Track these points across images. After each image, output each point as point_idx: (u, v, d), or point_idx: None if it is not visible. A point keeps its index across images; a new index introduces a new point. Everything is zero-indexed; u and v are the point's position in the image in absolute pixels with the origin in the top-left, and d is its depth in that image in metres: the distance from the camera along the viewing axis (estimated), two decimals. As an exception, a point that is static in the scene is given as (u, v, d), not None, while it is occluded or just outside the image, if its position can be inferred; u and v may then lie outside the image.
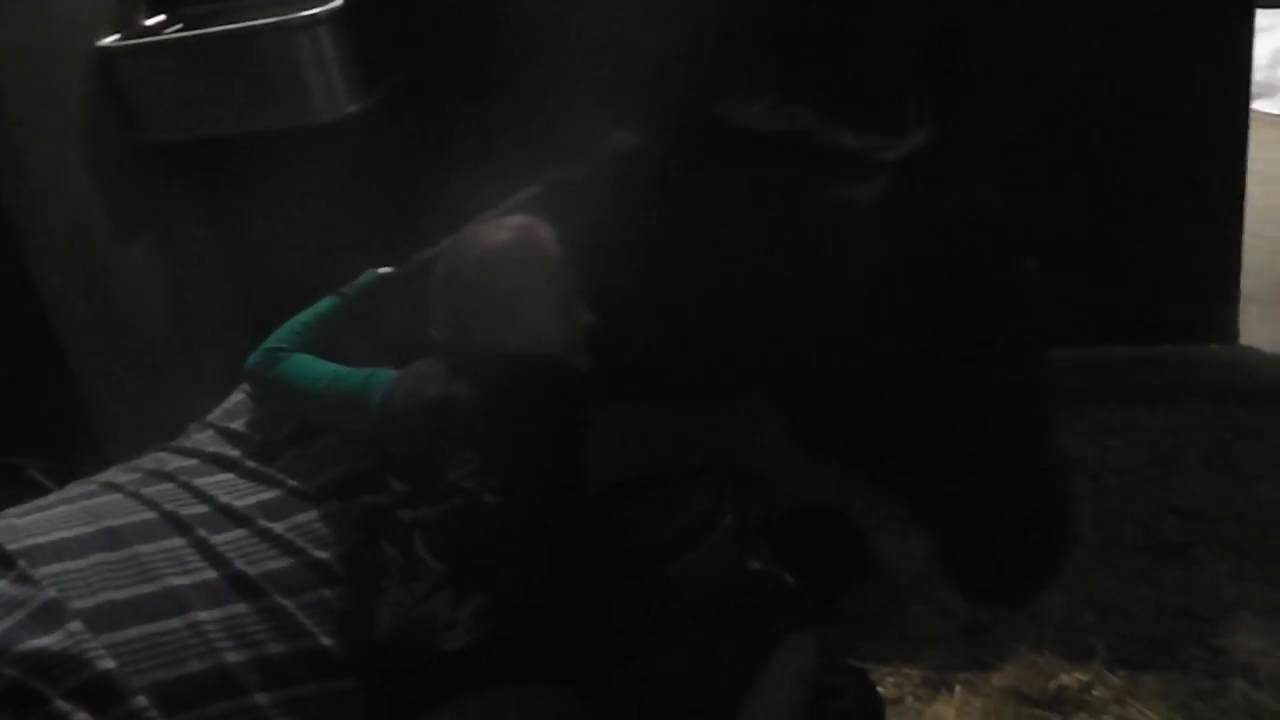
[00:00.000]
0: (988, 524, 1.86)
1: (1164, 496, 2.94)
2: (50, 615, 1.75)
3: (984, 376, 1.84)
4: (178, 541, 1.92)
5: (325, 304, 2.24)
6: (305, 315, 2.25)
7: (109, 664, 1.72)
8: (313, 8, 3.19)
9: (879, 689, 2.40)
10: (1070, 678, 2.49)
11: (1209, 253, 3.44)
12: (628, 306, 2.07)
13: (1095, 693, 2.45)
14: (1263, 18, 5.39)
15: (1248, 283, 3.58)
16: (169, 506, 1.98)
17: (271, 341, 2.22)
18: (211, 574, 1.89)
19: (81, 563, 1.85)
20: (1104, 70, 3.21)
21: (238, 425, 2.20)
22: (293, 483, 2.03)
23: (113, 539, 1.91)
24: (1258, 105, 5.41)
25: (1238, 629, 2.53)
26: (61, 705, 1.67)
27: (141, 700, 1.71)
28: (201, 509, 1.99)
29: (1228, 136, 3.32)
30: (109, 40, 3.29)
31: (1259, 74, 5.38)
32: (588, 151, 2.17)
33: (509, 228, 2.04)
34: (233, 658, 1.81)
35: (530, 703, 1.80)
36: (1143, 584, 2.68)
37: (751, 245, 1.97)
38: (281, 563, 1.94)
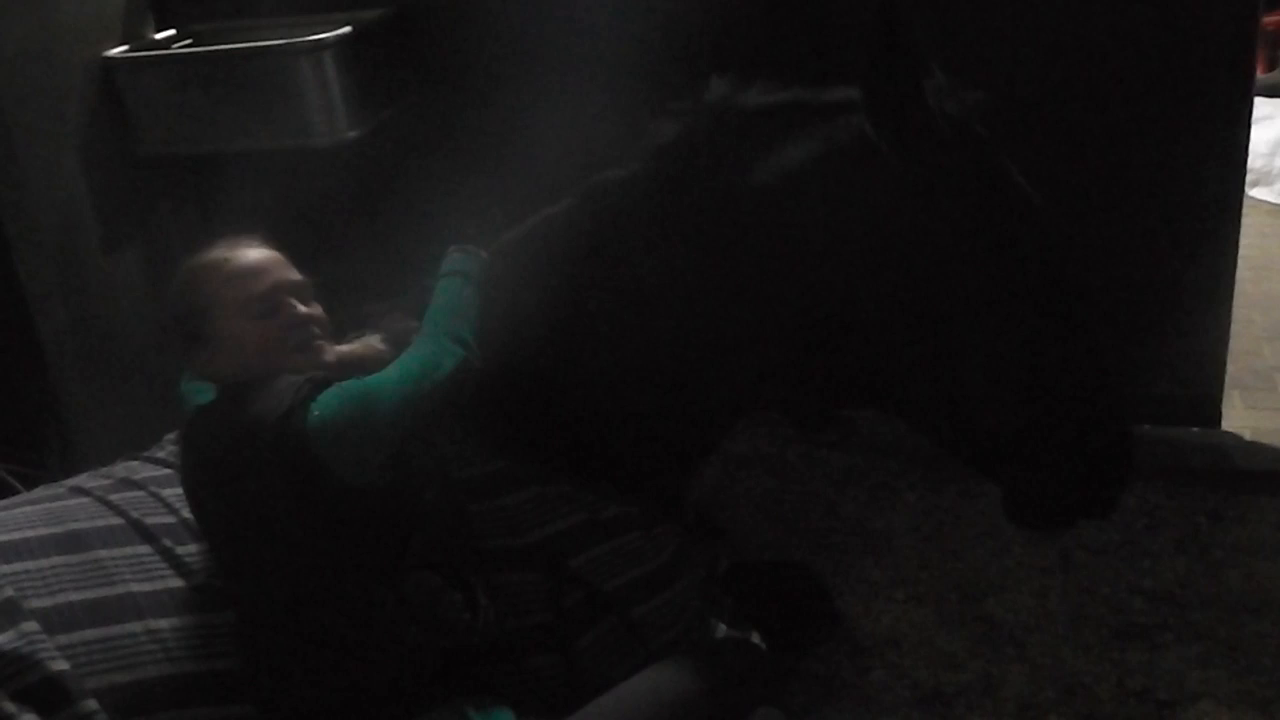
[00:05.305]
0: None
1: (1134, 577, 2.91)
2: (4, 614, 1.74)
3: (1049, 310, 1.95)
4: (143, 549, 1.92)
5: None
6: None
7: (61, 665, 1.72)
8: (321, 32, 3.22)
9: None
10: (1027, 755, 2.46)
11: (1195, 336, 3.44)
12: (704, 299, 2.10)
13: (1051, 772, 2.44)
14: (1263, 106, 5.48)
15: (1233, 368, 3.59)
16: (135, 514, 1.97)
17: None
18: (177, 583, 1.89)
19: (41, 563, 1.84)
20: (1098, 150, 3.23)
21: None
22: None
23: (75, 542, 1.90)
24: (1255, 193, 5.46)
25: (1200, 717, 2.49)
26: (8, 706, 1.66)
27: (91, 703, 1.71)
28: (168, 519, 1.99)
29: (1220, 221, 3.32)
30: (115, 51, 3.32)
31: (1258, 162, 5.44)
32: (618, 153, 2.19)
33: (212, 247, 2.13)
34: (192, 667, 1.81)
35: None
36: (1106, 664, 2.65)
37: (817, 209, 2.01)
38: None
